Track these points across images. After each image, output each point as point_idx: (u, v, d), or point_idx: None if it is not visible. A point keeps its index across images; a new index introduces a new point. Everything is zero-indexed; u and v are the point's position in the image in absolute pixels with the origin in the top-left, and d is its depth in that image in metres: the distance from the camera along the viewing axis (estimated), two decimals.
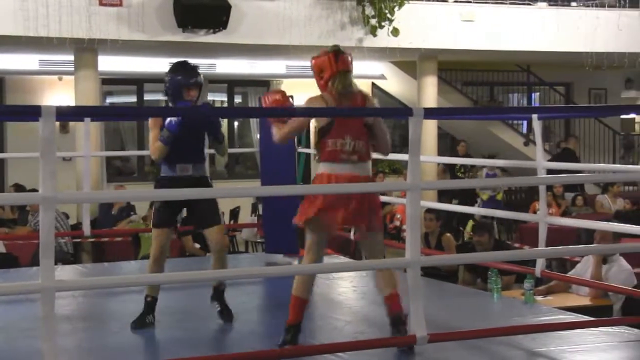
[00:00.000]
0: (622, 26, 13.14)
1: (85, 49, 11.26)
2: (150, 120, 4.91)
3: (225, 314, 5.03)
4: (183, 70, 4.91)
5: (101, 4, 10.80)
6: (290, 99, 4.83)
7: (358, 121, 4.31)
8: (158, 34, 11.18)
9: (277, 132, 4.49)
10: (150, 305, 4.88)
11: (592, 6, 13.58)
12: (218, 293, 5.08)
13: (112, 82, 14.19)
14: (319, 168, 4.40)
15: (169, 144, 4.74)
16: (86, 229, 7.07)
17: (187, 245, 9.19)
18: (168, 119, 4.73)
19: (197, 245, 9.17)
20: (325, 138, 4.30)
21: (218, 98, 15.80)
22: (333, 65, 4.43)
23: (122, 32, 10.94)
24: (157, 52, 12.70)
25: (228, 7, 11.04)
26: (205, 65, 14.24)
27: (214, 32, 11.13)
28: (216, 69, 14.21)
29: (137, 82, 14.42)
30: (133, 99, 14.70)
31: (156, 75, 14.44)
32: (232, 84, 15.09)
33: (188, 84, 4.87)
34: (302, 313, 4.27)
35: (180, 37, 11.20)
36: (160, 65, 13.92)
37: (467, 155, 13.35)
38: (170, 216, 4.89)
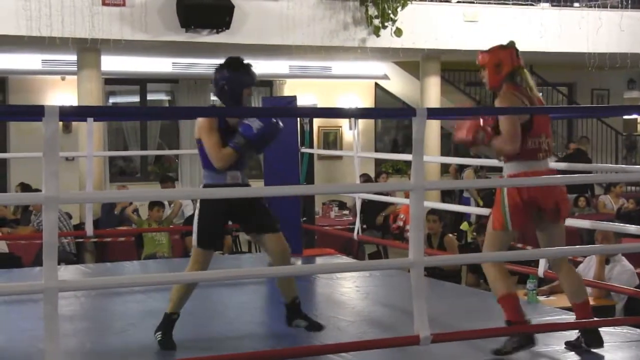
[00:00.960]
0: (624, 27, 13.13)
1: (88, 49, 11.27)
2: (203, 124, 4.38)
3: (315, 326, 4.62)
4: (242, 68, 4.46)
5: (104, 3, 10.81)
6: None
7: (548, 120, 4.34)
8: (161, 34, 11.19)
9: (503, 144, 4.25)
10: (173, 324, 4.49)
11: (595, 7, 13.57)
12: (295, 308, 4.65)
13: (115, 82, 14.19)
14: (511, 167, 4.29)
15: (241, 152, 4.34)
16: (89, 229, 7.08)
17: (190, 245, 9.19)
18: (244, 124, 4.28)
19: None
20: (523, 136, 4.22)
21: None
22: (515, 59, 4.39)
23: (125, 32, 10.95)
24: (160, 52, 12.71)
25: (231, 7, 11.05)
26: (208, 65, 14.26)
27: (217, 32, 11.13)
28: None
29: (140, 82, 14.42)
30: (136, 99, 14.71)
31: (159, 75, 14.61)
32: None
33: (252, 83, 4.48)
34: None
35: (183, 37, 11.21)
36: (163, 65, 14.02)
37: (477, 155, 13.28)
38: (220, 234, 4.53)
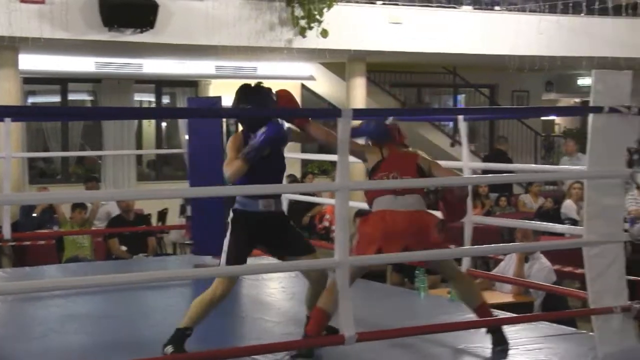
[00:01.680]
0: (542, 30, 13.46)
1: (6, 47, 11.01)
2: (230, 141, 4.30)
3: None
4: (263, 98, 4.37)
5: (22, 1, 10.55)
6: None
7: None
8: (83, 33, 10.99)
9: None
10: (185, 340, 4.25)
11: (514, 11, 13.87)
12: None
13: (34, 81, 13.89)
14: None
15: (249, 163, 4.17)
16: (6, 232, 6.92)
17: (113, 247, 9.07)
18: (259, 134, 4.15)
19: (124, 248, 9.06)
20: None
21: (145, 99, 15.63)
22: None
23: (45, 30, 10.71)
24: (82, 51, 12.49)
25: (155, 6, 10.92)
26: (133, 65, 14.09)
27: (141, 32, 10.99)
28: (143, 69, 14.04)
29: (61, 82, 14.15)
30: (57, 98, 14.42)
31: (81, 75, 14.36)
32: (159, 84, 14.93)
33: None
34: None
35: (106, 36, 11.03)
36: (86, 64, 13.77)
37: None
38: (248, 254, 4.36)
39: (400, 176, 4.45)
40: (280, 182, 4.55)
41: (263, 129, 4.13)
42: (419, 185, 4.43)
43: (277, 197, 4.42)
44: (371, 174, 4.54)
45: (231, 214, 4.37)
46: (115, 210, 9.69)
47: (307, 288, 4.57)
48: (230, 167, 4.19)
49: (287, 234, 4.40)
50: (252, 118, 4.33)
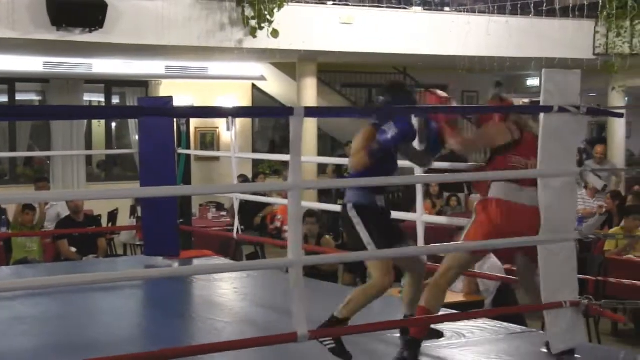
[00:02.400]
0: (491, 31, 13.61)
1: None
2: (361, 132, 4.39)
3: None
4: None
5: None
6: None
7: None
8: (30, 32, 10.81)
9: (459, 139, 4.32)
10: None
11: (464, 11, 14.01)
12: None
13: None
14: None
15: (374, 158, 4.20)
16: None
17: (63, 249, 8.95)
18: (381, 129, 4.20)
19: (73, 249, 8.95)
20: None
21: (95, 99, 15.45)
22: None
23: None
24: (30, 51, 12.30)
25: (104, 6, 10.80)
26: (82, 65, 13.92)
27: (90, 31, 10.86)
28: (92, 69, 13.88)
29: (9, 82, 13.92)
30: (4, 98, 14.18)
31: (29, 75, 14.14)
32: (109, 84, 14.77)
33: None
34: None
35: (54, 35, 10.87)
36: (34, 64, 13.57)
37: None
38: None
39: (533, 166, 4.22)
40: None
41: (392, 125, 4.13)
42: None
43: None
44: (496, 153, 4.28)
45: (353, 210, 4.31)
46: (65, 212, 9.56)
47: (405, 285, 4.58)
48: (355, 158, 4.25)
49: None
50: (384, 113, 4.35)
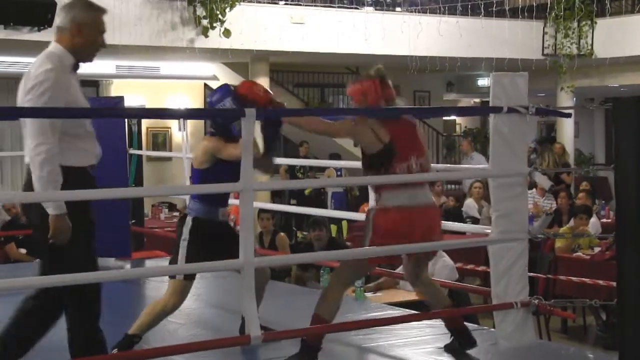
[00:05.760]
0: (442, 32, 13.73)
1: None
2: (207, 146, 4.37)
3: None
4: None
5: None
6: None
7: (415, 137, 4.16)
8: None
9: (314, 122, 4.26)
10: (133, 346, 4.26)
11: (415, 12, 14.10)
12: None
13: None
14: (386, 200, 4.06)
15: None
16: None
17: (11, 252, 8.81)
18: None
19: (23, 251, 8.81)
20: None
21: None
22: (378, 92, 4.20)
23: None
24: None
25: (53, 4, 10.64)
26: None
27: (39, 30, 10.71)
28: None
29: None
30: None
31: None
32: None
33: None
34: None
35: (1, 34, 10.70)
36: None
37: (307, 156, 13.61)
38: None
39: (421, 161, 4.12)
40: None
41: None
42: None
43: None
44: (382, 162, 4.08)
45: (190, 224, 4.34)
46: (7, 216, 9.46)
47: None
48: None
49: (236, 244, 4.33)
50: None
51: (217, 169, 4.28)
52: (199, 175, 4.36)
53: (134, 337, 4.30)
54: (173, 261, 4.41)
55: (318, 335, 4.09)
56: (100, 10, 3.76)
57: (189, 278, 4.38)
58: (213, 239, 4.33)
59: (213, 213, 4.35)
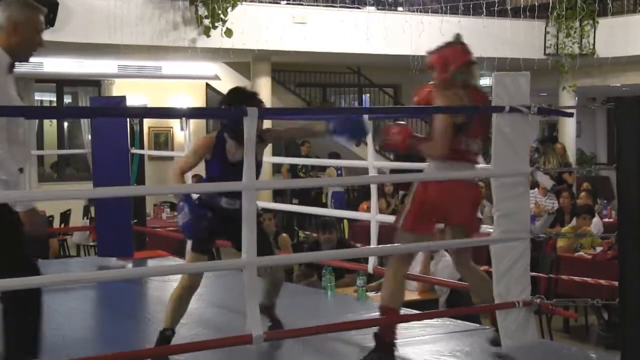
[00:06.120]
0: (444, 31, 13.71)
1: None
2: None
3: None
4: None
5: None
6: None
7: (488, 122, 4.14)
8: None
9: (431, 148, 4.13)
10: (169, 341, 4.22)
11: (417, 11, 14.11)
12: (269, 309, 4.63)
13: None
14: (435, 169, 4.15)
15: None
16: None
17: None
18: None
19: None
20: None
21: (46, 98, 15.25)
22: (459, 56, 4.21)
23: None
24: None
25: (55, 4, 10.68)
26: (32, 63, 13.68)
27: None
28: (44, 68, 13.70)
29: None
30: None
31: None
32: (61, 83, 14.60)
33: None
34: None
35: None
36: None
37: (309, 155, 13.62)
38: (211, 241, 4.35)
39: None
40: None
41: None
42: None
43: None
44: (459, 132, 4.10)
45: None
46: None
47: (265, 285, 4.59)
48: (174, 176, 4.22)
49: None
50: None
51: (218, 164, 4.30)
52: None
53: (165, 331, 4.24)
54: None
55: (390, 328, 4.08)
56: (38, 9, 3.71)
57: (202, 252, 4.33)
58: (214, 220, 4.28)
59: (214, 199, 4.33)
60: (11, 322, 3.56)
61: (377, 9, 14.05)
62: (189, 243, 4.32)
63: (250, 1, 12.59)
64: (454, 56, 4.22)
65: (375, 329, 4.14)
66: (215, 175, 4.30)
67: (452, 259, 4.41)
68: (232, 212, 4.30)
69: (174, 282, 6.40)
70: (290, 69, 15.65)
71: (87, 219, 11.45)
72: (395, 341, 4.09)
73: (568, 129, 16.03)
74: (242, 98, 4.26)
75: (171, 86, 15.30)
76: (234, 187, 3.83)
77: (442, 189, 4.10)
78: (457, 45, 4.26)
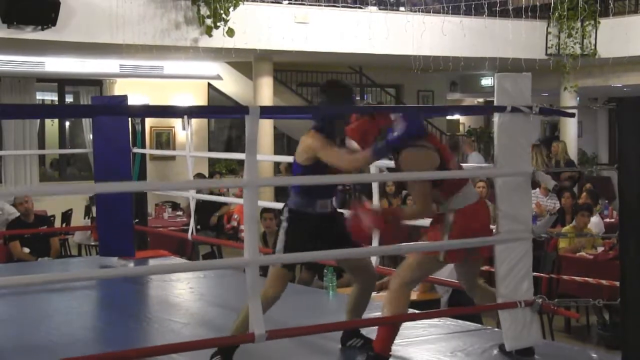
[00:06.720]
0: (446, 31, 13.73)
1: None
2: (315, 143, 4.16)
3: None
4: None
5: None
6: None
7: None
8: None
9: (418, 213, 4.10)
10: (235, 348, 4.19)
11: (419, 11, 14.10)
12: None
13: None
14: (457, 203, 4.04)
15: (376, 159, 4.12)
16: None
17: (15, 250, 8.83)
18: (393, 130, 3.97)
19: (26, 250, 8.83)
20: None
21: (48, 97, 15.25)
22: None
23: None
24: None
25: (57, 3, 10.67)
26: (34, 63, 13.72)
27: (42, 29, 10.72)
28: (45, 67, 13.70)
29: None
30: None
31: None
32: (62, 82, 14.60)
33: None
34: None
35: (4, 33, 10.71)
36: None
37: None
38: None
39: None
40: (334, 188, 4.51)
41: (400, 125, 3.94)
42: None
43: (332, 198, 4.37)
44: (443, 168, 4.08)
45: (287, 214, 4.29)
46: (12, 217, 9.48)
47: (350, 295, 4.50)
48: (354, 160, 4.08)
49: (344, 233, 4.22)
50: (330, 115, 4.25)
51: (319, 167, 4.18)
52: (300, 171, 4.27)
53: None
54: (274, 249, 4.35)
55: (386, 343, 4.06)
56: None
57: (288, 267, 4.29)
58: (310, 230, 4.26)
59: (309, 206, 4.27)
60: None
61: (379, 9, 14.04)
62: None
63: (252, 1, 12.59)
64: (372, 127, 4.12)
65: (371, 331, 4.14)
66: (310, 174, 4.21)
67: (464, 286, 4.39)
68: (325, 219, 4.29)
69: (176, 281, 6.44)
70: (292, 69, 15.65)
71: (88, 218, 11.47)
72: (389, 356, 4.08)
73: (570, 129, 16.02)
74: (341, 91, 4.32)
75: (173, 86, 15.30)
76: (237, 183, 3.83)
77: (475, 214, 4.05)
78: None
